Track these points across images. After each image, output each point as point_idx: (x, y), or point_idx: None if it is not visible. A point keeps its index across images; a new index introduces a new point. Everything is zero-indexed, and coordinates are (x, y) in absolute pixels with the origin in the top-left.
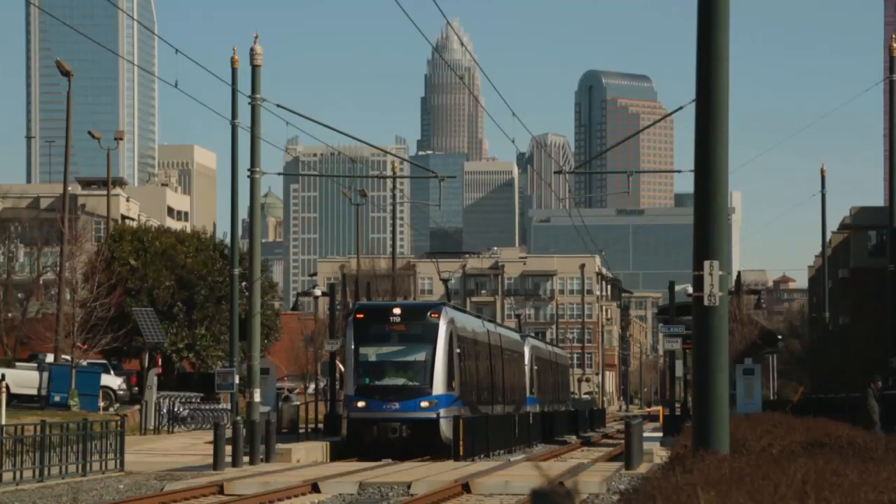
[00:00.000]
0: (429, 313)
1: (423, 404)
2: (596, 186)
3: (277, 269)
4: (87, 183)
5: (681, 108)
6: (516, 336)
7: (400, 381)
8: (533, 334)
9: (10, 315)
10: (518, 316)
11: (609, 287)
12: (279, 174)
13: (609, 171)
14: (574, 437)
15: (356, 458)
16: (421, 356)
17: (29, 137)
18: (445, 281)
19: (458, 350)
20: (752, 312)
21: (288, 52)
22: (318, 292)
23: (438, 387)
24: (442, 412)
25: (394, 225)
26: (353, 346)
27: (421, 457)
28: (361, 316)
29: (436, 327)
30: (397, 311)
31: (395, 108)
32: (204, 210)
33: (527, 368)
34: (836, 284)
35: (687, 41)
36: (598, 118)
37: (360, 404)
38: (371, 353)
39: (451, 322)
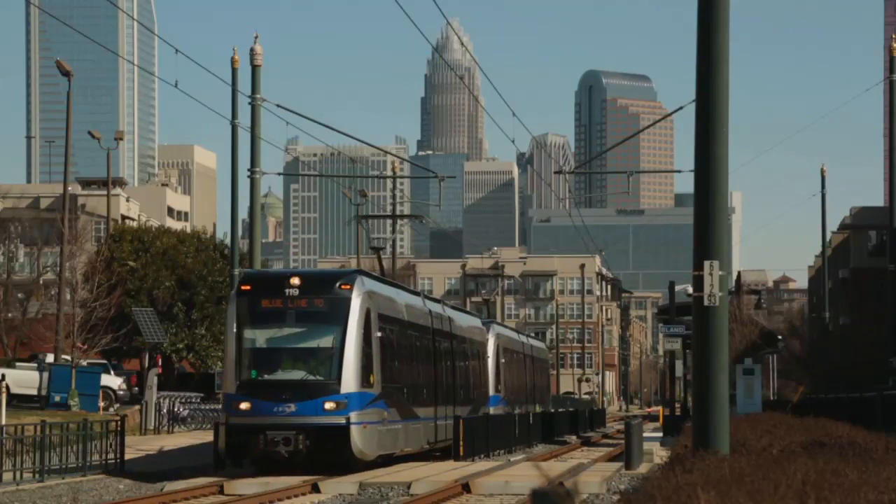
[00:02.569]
0: (338, 284)
1: (328, 405)
2: (596, 186)
3: (277, 269)
4: (87, 183)
5: (681, 108)
6: (475, 321)
7: (297, 375)
8: (499, 321)
9: (10, 315)
10: (486, 301)
11: (609, 287)
12: (279, 174)
13: (609, 171)
14: (574, 437)
15: (253, 474)
16: (327, 341)
17: (29, 137)
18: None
19: (379, 333)
20: (752, 312)
21: (288, 52)
22: None
23: (350, 382)
24: (353, 416)
25: (394, 225)
26: (234, 329)
27: (328, 473)
28: (248, 288)
29: (347, 302)
30: (296, 280)
31: (395, 108)
32: (204, 210)
33: (490, 361)
34: (836, 284)
35: (687, 41)
36: (598, 118)
37: (244, 406)
38: (259, 337)
39: (368, 296)
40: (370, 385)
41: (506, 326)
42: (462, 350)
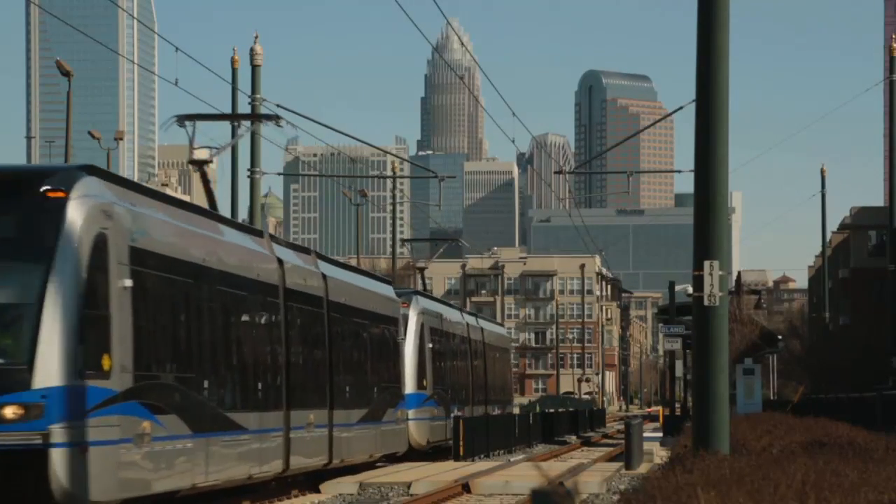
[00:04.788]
0: (41, 188)
1: (9, 412)
2: (596, 186)
3: None
4: None
5: (681, 108)
6: (382, 289)
7: None
8: (435, 295)
9: None
10: (422, 268)
11: (609, 287)
12: (279, 174)
13: (609, 171)
14: (574, 437)
15: None
16: (14, 292)
17: (29, 137)
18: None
19: (126, 283)
20: (752, 312)
21: (288, 52)
22: None
23: (48, 369)
24: (56, 432)
25: (394, 225)
26: None
27: None
28: None
29: (58, 217)
30: None
31: (395, 108)
32: None
33: (409, 347)
34: (836, 284)
35: (687, 41)
36: (598, 118)
37: None
38: None
39: (104, 215)
40: (102, 373)
41: (442, 302)
42: (352, 328)
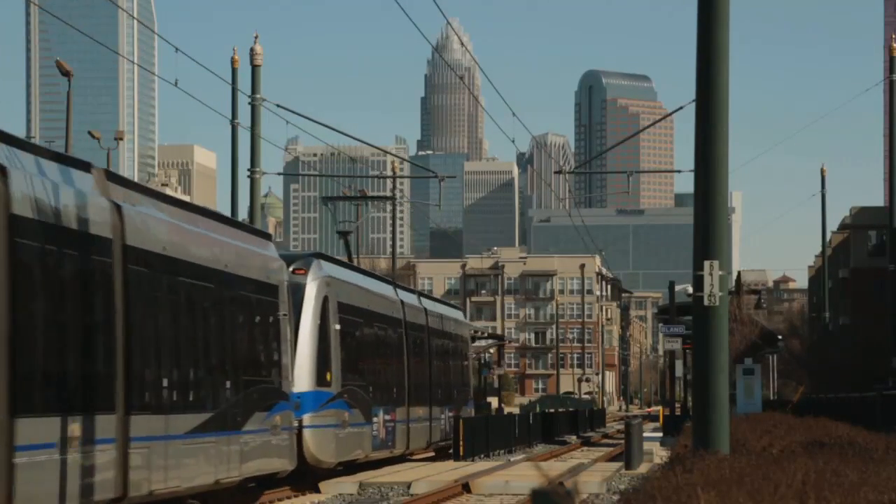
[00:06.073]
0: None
1: None
2: (596, 186)
3: None
4: None
5: (681, 108)
6: (257, 246)
7: None
8: (342, 260)
9: None
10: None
11: (609, 287)
12: (279, 174)
13: (609, 171)
14: (574, 437)
15: None
16: None
17: (29, 137)
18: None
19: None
20: (752, 312)
21: (288, 52)
22: None
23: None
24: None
25: (394, 225)
26: None
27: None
28: None
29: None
30: None
31: (395, 108)
32: None
33: (304, 328)
34: (836, 284)
35: (687, 41)
36: (598, 118)
37: None
38: None
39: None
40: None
41: (364, 272)
42: (172, 294)
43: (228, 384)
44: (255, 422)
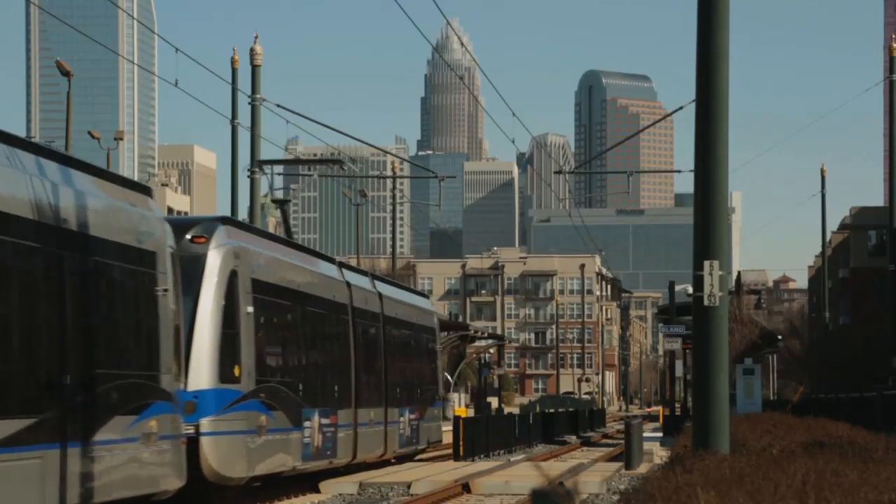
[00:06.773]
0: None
1: None
2: (596, 186)
3: None
4: None
5: (681, 108)
6: (132, 206)
7: None
8: (254, 226)
9: None
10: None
11: (609, 287)
12: (279, 174)
13: (609, 171)
14: (574, 437)
15: None
16: None
17: (29, 137)
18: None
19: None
20: (752, 312)
21: (288, 52)
22: None
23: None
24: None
25: (394, 225)
26: None
27: None
28: None
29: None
30: None
31: (395, 108)
32: (204, 210)
33: (203, 310)
34: (836, 284)
35: (687, 41)
36: (598, 118)
37: None
38: None
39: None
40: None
41: (294, 245)
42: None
43: (67, 380)
44: (112, 429)
